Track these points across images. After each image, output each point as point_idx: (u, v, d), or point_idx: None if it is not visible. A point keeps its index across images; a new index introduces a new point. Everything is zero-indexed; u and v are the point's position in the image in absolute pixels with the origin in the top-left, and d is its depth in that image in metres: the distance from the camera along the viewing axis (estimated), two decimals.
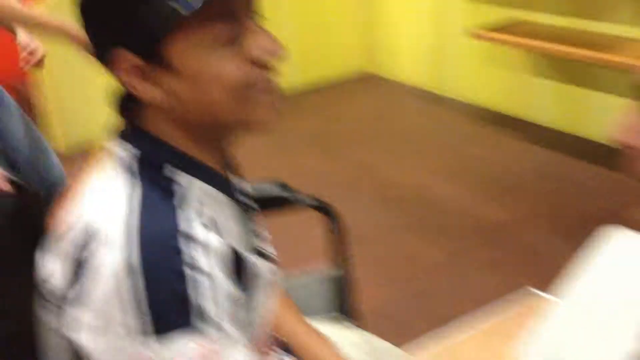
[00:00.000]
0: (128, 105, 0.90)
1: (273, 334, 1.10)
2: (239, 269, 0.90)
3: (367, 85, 4.51)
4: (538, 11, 3.42)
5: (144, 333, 0.80)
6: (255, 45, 0.86)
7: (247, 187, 1.05)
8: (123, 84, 0.87)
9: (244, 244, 0.94)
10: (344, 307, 1.38)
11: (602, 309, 1.37)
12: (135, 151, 0.88)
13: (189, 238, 0.83)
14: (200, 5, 0.79)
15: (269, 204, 1.33)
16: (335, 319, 1.36)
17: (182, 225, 0.83)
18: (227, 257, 0.86)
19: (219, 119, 0.88)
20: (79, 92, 3.91)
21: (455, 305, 2.38)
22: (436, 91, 4.14)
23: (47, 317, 0.92)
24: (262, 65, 0.87)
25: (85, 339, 0.83)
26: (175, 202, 0.86)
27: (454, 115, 3.87)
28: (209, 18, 0.82)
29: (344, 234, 1.35)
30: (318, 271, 1.41)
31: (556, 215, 2.81)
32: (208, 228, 0.85)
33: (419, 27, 4.19)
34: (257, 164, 3.61)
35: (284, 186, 1.35)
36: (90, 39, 0.88)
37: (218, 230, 0.87)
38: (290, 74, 4.38)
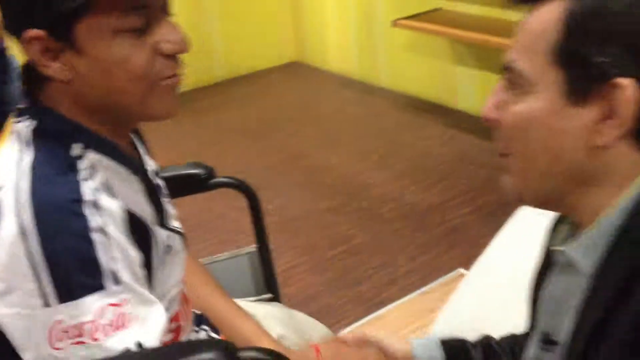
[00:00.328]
0: (34, 82, 0.92)
1: (191, 308, 1.12)
2: (142, 236, 0.93)
3: (296, 74, 4.54)
4: (459, 0, 3.51)
5: (51, 297, 0.82)
6: (162, 38, 0.90)
7: (157, 167, 1.09)
8: (33, 60, 0.89)
9: (150, 217, 0.96)
10: (266, 284, 1.40)
11: (505, 280, 1.46)
12: (32, 123, 0.90)
13: (90, 204, 0.85)
14: None
15: (188, 184, 1.34)
16: (258, 297, 1.38)
17: (82, 191, 0.86)
18: (126, 221, 0.89)
19: (121, 104, 0.91)
20: None
21: (383, 287, 2.45)
22: (364, 80, 4.19)
23: None
24: (168, 58, 0.91)
25: None
26: (72, 170, 0.88)
27: (381, 103, 3.93)
28: (120, 6, 0.86)
29: (261, 211, 1.38)
30: (239, 250, 1.43)
31: (481, 197, 2.90)
32: (101, 191, 0.88)
33: (346, 16, 4.24)
34: (188, 151, 3.59)
35: (202, 167, 1.36)
36: (5, 15, 0.90)
37: (113, 195, 0.89)
38: (221, 64, 4.37)
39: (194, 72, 4.28)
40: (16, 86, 1.65)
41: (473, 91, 3.63)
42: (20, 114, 0.93)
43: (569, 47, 0.74)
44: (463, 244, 2.62)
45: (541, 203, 0.83)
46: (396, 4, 3.78)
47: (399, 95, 3.99)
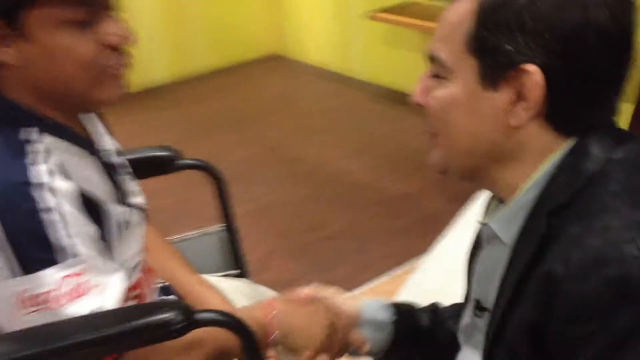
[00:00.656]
0: None
1: (154, 278, 1.17)
2: (96, 212, 1.00)
3: (275, 66, 4.58)
4: None
5: (16, 269, 0.88)
6: (106, 31, 0.97)
7: (116, 147, 1.15)
8: None
9: (105, 194, 1.02)
10: (233, 262, 1.45)
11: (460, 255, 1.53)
12: None
13: (40, 186, 0.92)
14: None
15: (154, 165, 1.39)
16: (225, 272, 1.44)
17: (33, 175, 0.92)
18: (78, 198, 0.95)
19: (69, 90, 0.98)
20: None
21: (358, 270, 2.50)
22: (342, 72, 4.24)
23: None
24: (113, 49, 0.98)
25: None
26: (21, 154, 0.94)
27: (358, 94, 3.98)
28: (66, 2, 0.92)
29: (226, 193, 1.43)
30: (207, 229, 1.48)
31: (455, 187, 2.95)
32: (55, 174, 0.94)
33: (323, 10, 4.28)
34: (166, 141, 3.62)
35: (168, 149, 1.41)
36: None
37: (67, 175, 0.96)
38: (200, 56, 4.40)
39: (174, 64, 4.33)
40: None
41: None
42: None
43: (481, 36, 0.79)
44: (436, 231, 2.66)
45: (464, 177, 0.89)
46: None
47: (375, 87, 4.04)
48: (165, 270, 1.23)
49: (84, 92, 0.98)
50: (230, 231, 1.46)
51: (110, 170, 1.07)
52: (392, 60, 3.93)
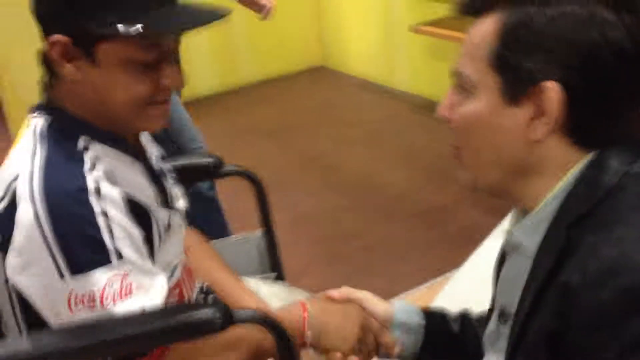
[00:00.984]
0: (50, 83, 1.07)
1: (194, 279, 1.23)
2: (142, 216, 1.06)
3: (318, 78, 4.66)
4: None
5: (62, 270, 0.95)
6: (166, 75, 1.04)
7: (161, 152, 1.23)
8: (53, 59, 1.02)
9: (151, 199, 1.09)
10: (271, 266, 1.51)
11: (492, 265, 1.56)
12: (46, 120, 1.04)
13: (92, 192, 0.99)
14: (136, 34, 0.97)
15: (199, 172, 1.46)
16: (264, 278, 1.49)
17: (87, 182, 0.99)
18: (127, 204, 1.02)
19: (113, 115, 1.05)
20: None
21: (393, 282, 2.53)
22: (384, 83, 4.29)
23: None
24: (164, 91, 1.05)
25: (17, 278, 0.98)
26: (79, 162, 1.01)
27: (400, 106, 4.02)
28: (139, 42, 1.00)
29: (266, 199, 1.49)
30: (247, 234, 1.54)
31: (493, 199, 2.95)
32: (104, 180, 1.01)
33: (367, 22, 4.34)
34: (212, 148, 3.70)
35: (212, 156, 1.48)
36: (43, 15, 1.04)
37: (115, 181, 1.03)
38: (246, 67, 4.51)
39: (221, 75, 4.44)
40: None
41: None
42: (35, 110, 1.07)
43: (503, 54, 0.82)
44: (473, 243, 2.68)
45: (491, 192, 0.92)
46: (415, 10, 3.86)
47: (417, 97, 4.07)
48: (205, 271, 1.29)
49: (127, 121, 1.06)
50: (269, 236, 1.52)
51: (156, 175, 1.14)
52: (434, 71, 3.96)
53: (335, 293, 1.16)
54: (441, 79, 3.91)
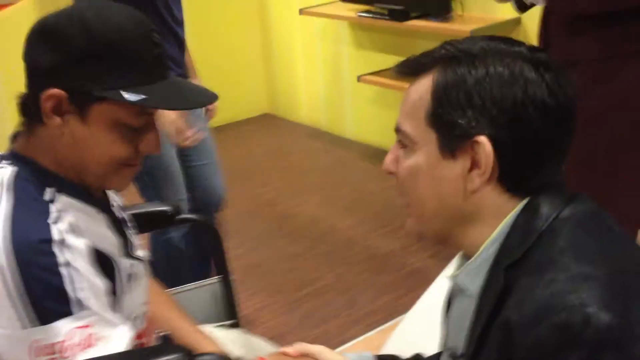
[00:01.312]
0: (29, 117, 1.09)
1: (154, 328, 1.26)
2: (107, 267, 1.08)
3: (267, 125, 4.73)
4: None
5: (26, 321, 0.97)
6: (146, 142, 1.09)
7: (121, 202, 1.26)
8: (42, 108, 1.04)
9: (116, 248, 1.12)
10: (227, 313, 1.54)
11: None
12: (13, 170, 1.07)
13: (58, 243, 1.01)
14: (139, 102, 1.02)
15: (156, 219, 1.49)
16: (220, 323, 1.52)
17: (52, 233, 1.01)
18: (92, 255, 1.05)
19: (86, 170, 1.09)
20: None
21: (347, 325, 2.57)
22: (333, 131, 4.38)
23: None
24: (140, 155, 1.10)
25: None
26: (45, 214, 1.03)
27: (348, 153, 4.11)
28: (135, 109, 1.05)
29: (222, 246, 1.53)
30: (203, 282, 1.57)
31: (436, 244, 3.05)
32: (70, 232, 1.03)
33: (315, 71, 4.45)
34: None
35: (170, 205, 1.52)
36: (43, 67, 1.05)
37: (80, 234, 1.05)
38: None
39: None
40: None
41: None
42: (2, 159, 1.09)
43: (438, 112, 0.89)
44: (422, 287, 2.76)
45: (436, 239, 0.97)
46: (362, 61, 3.99)
47: (364, 146, 4.18)
48: (165, 320, 1.32)
49: (97, 178, 1.10)
50: (226, 283, 1.56)
51: (119, 225, 1.17)
52: (380, 120, 4.07)
53: (290, 349, 1.19)
54: (387, 127, 4.05)
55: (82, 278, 1.01)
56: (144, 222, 1.32)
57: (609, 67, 1.63)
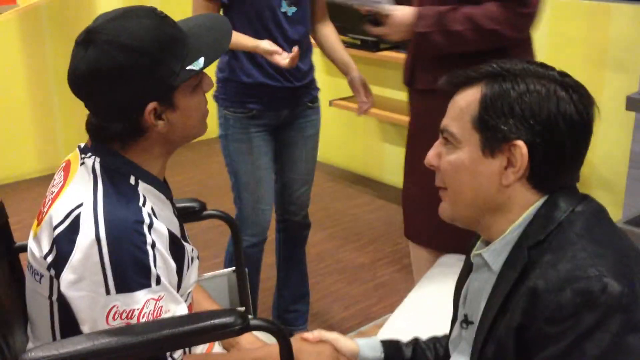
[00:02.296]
0: (104, 137, 1.22)
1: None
2: (179, 250, 1.25)
3: None
4: (387, 87, 3.92)
5: (111, 287, 1.11)
6: (205, 84, 1.27)
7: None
8: (148, 124, 1.19)
9: (178, 232, 1.27)
10: (240, 299, 1.69)
11: (428, 304, 1.81)
12: (99, 160, 1.21)
13: (148, 225, 1.16)
14: (204, 65, 1.19)
15: (184, 214, 1.63)
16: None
17: (143, 215, 1.17)
18: (167, 239, 1.20)
19: (188, 137, 1.27)
20: None
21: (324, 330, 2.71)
22: None
23: (33, 285, 1.20)
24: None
25: (68, 291, 1.12)
26: (134, 197, 1.19)
27: (320, 175, 4.28)
28: (196, 75, 1.22)
29: (240, 239, 1.68)
30: (221, 271, 1.72)
31: (407, 258, 3.24)
32: (152, 215, 1.19)
33: None
34: None
35: (196, 201, 1.67)
36: (110, 104, 1.19)
37: (159, 218, 1.21)
38: None
39: None
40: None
41: (398, 166, 4.00)
42: (84, 151, 1.24)
43: (484, 118, 1.05)
44: (391, 297, 2.95)
45: (466, 224, 1.14)
46: (332, 87, 4.20)
47: (333, 168, 4.37)
48: (196, 302, 1.46)
49: (196, 134, 1.27)
50: (240, 272, 1.70)
51: (177, 212, 1.32)
52: (351, 144, 4.25)
53: (309, 335, 1.34)
54: (353, 151, 4.24)
55: (161, 257, 1.15)
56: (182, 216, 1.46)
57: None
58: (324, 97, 4.29)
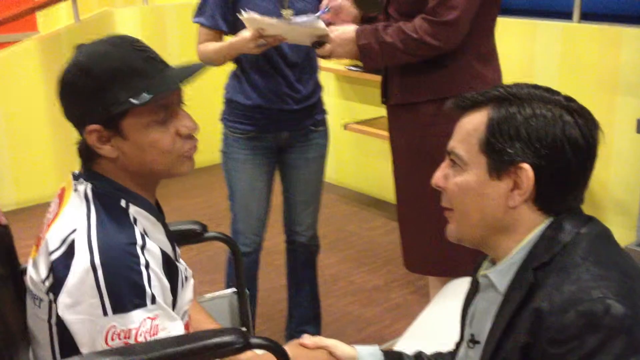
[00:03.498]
0: (88, 157, 1.28)
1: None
2: (173, 269, 1.27)
3: None
4: None
5: (107, 309, 1.15)
6: (180, 124, 1.27)
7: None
8: (90, 144, 1.24)
9: (171, 253, 1.30)
10: (241, 321, 1.72)
11: (437, 326, 1.81)
12: (90, 186, 1.25)
13: (141, 247, 1.19)
14: (147, 100, 1.20)
15: (187, 236, 1.67)
16: None
17: (136, 237, 1.20)
18: (160, 258, 1.23)
19: (153, 170, 1.28)
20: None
21: None
22: None
23: (34, 309, 1.24)
24: (186, 137, 1.28)
25: (65, 315, 1.16)
26: (126, 220, 1.22)
27: (331, 197, 4.31)
28: (152, 107, 1.23)
29: (242, 262, 1.71)
30: (221, 293, 1.75)
31: (420, 280, 3.25)
32: (144, 236, 1.21)
33: None
34: None
35: (198, 224, 1.69)
36: (72, 114, 1.26)
37: (151, 239, 1.24)
38: None
39: None
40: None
41: None
42: (77, 177, 1.29)
43: (490, 141, 1.07)
44: (405, 319, 2.95)
45: (473, 244, 1.16)
46: (347, 110, 4.24)
47: (347, 190, 4.40)
48: (195, 320, 1.49)
49: (165, 171, 1.28)
50: (241, 294, 1.72)
51: (170, 234, 1.35)
52: (364, 167, 4.28)
53: (307, 341, 1.35)
54: (366, 174, 4.28)
55: (155, 277, 1.19)
56: (177, 238, 1.49)
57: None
58: (337, 120, 4.38)
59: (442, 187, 1.16)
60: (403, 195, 2.24)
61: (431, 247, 2.16)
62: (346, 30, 2.03)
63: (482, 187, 1.09)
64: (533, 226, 1.09)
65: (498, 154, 1.07)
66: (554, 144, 1.05)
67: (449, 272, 2.20)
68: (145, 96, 1.19)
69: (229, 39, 2.21)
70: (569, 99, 1.10)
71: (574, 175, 1.07)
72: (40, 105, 4.21)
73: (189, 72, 1.26)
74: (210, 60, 2.20)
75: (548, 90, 1.11)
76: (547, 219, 1.09)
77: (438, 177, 1.16)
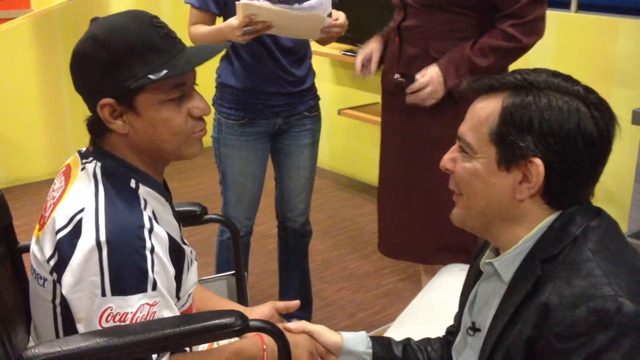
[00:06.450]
0: (97, 132, 1.26)
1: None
2: (178, 254, 1.26)
3: None
4: None
5: (107, 290, 1.13)
6: (193, 105, 1.26)
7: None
8: (102, 118, 1.23)
9: (178, 235, 1.29)
10: (239, 302, 1.71)
11: (429, 312, 1.83)
12: (99, 164, 1.23)
13: (148, 230, 1.17)
14: (165, 77, 1.19)
15: (186, 218, 1.65)
16: None
17: (144, 220, 1.18)
18: (167, 243, 1.21)
19: (163, 150, 1.26)
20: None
21: None
22: None
23: (37, 289, 1.22)
24: (197, 119, 1.27)
25: (68, 294, 1.14)
26: (136, 201, 1.21)
27: (324, 182, 4.32)
28: (167, 84, 1.22)
29: (240, 244, 1.71)
30: (218, 275, 1.75)
31: (411, 267, 3.26)
32: (153, 219, 1.20)
33: None
34: None
35: (198, 205, 1.68)
36: (87, 87, 1.23)
37: (158, 221, 1.22)
38: None
39: None
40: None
41: None
42: (84, 155, 1.26)
43: (502, 132, 1.04)
44: (395, 305, 2.97)
45: (475, 231, 1.14)
46: (341, 96, 4.23)
47: (340, 176, 4.39)
48: (203, 298, 1.49)
49: (174, 151, 1.26)
50: (239, 275, 1.72)
51: (176, 214, 1.34)
52: (354, 152, 4.28)
53: (291, 326, 1.34)
54: (360, 159, 4.28)
55: (159, 263, 1.17)
56: (183, 219, 1.48)
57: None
58: (332, 106, 4.38)
59: (450, 169, 1.14)
60: (387, 178, 2.26)
61: (407, 232, 2.21)
62: (433, 76, 2.04)
63: (490, 176, 1.07)
64: (539, 219, 1.07)
65: (509, 146, 1.04)
66: (567, 138, 1.02)
67: (422, 259, 2.27)
68: (165, 73, 1.18)
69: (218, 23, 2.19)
70: (588, 89, 1.06)
71: (586, 171, 1.05)
72: (32, 83, 4.18)
73: (205, 52, 1.25)
74: (199, 43, 2.18)
75: (568, 79, 1.07)
76: (554, 213, 1.07)
77: (446, 160, 1.14)
